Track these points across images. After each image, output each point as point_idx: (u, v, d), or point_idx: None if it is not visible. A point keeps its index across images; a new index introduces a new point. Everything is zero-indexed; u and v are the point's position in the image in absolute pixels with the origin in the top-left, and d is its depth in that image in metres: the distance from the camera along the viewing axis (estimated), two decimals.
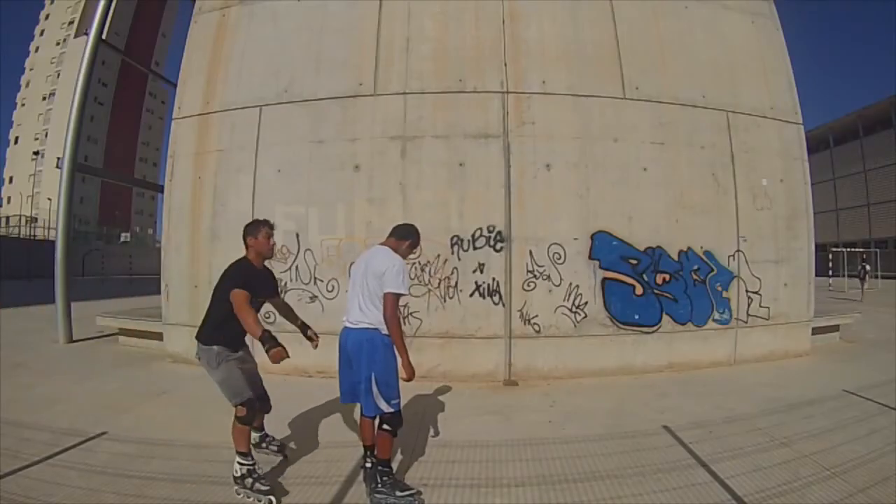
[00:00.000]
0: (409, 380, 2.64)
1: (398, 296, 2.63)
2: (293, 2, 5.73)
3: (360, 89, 5.35)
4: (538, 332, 5.02)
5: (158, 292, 6.22)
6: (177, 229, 5.75)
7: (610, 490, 2.68)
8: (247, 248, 2.88)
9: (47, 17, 54.04)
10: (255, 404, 2.74)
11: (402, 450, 3.17)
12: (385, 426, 2.62)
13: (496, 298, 5.00)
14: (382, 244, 2.85)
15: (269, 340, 2.55)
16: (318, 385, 4.85)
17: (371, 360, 2.61)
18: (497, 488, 2.69)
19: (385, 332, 2.64)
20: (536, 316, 5.02)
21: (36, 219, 33.76)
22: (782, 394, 4.35)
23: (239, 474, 2.61)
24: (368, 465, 2.69)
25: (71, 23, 51.05)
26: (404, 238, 2.87)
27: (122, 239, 44.79)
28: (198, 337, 2.82)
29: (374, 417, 2.66)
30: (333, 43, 5.51)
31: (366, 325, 2.68)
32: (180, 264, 5.69)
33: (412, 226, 2.97)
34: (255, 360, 2.98)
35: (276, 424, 3.71)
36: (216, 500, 2.58)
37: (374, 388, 2.57)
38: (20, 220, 35.65)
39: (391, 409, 2.60)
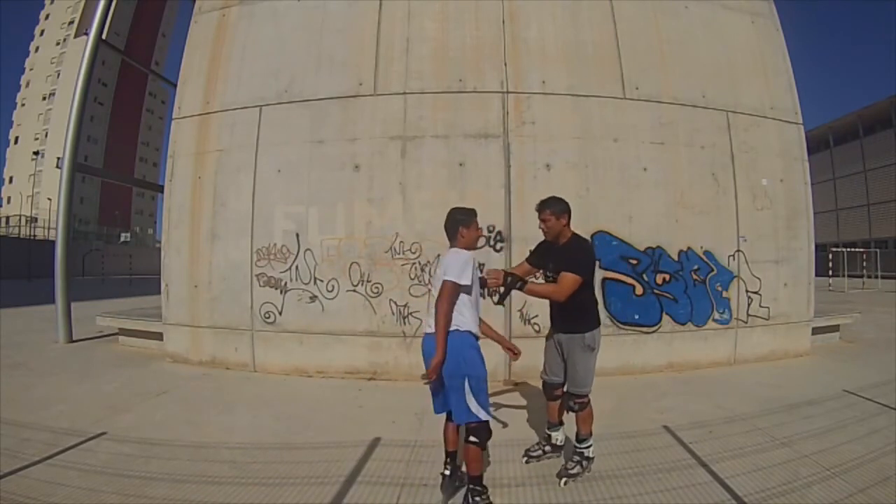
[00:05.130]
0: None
1: (455, 285, 2.44)
2: (293, 2, 5.73)
3: (360, 89, 5.35)
4: (538, 331, 5.01)
5: (158, 292, 6.23)
6: (177, 229, 5.75)
7: (610, 490, 2.68)
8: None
9: (47, 17, 54.04)
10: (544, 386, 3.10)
11: (403, 450, 3.17)
12: (472, 438, 2.44)
13: (496, 298, 4.98)
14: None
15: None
16: (317, 385, 4.86)
17: (461, 360, 2.44)
18: (497, 488, 2.68)
19: (467, 329, 2.49)
20: (536, 316, 5.01)
21: (36, 219, 33.77)
22: (782, 394, 4.35)
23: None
24: (448, 472, 2.60)
25: (71, 23, 51.04)
26: (454, 232, 2.65)
27: (122, 239, 44.82)
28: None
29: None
30: (333, 43, 5.51)
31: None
32: (180, 264, 5.69)
33: (449, 214, 2.71)
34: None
35: (276, 424, 3.72)
36: (216, 500, 2.58)
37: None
38: (20, 220, 35.66)
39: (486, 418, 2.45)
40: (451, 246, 2.66)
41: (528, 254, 5.00)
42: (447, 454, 2.64)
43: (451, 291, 2.44)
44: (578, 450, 2.81)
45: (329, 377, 5.06)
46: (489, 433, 2.49)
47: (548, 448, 3.03)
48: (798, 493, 2.57)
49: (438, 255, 5.00)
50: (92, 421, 3.69)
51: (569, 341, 2.83)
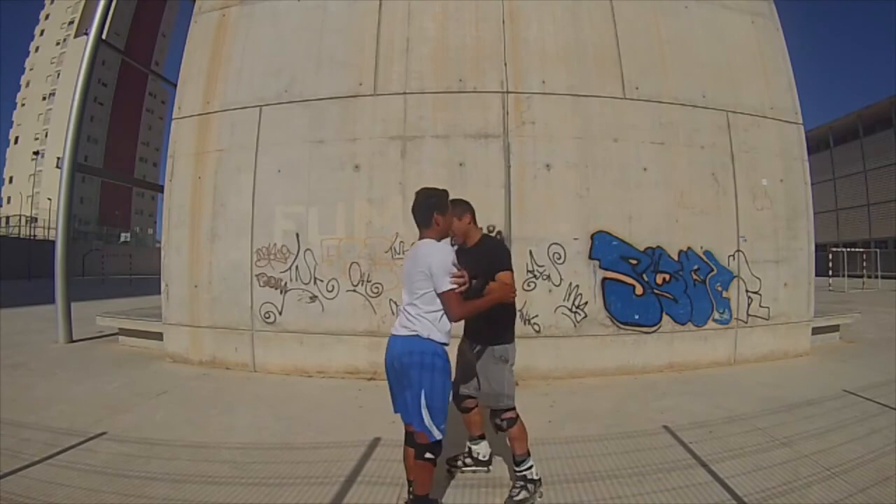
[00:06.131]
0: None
1: (457, 293, 2.24)
2: (293, 2, 5.72)
3: (360, 89, 5.35)
4: (538, 331, 5.02)
5: (158, 292, 6.23)
6: (177, 229, 5.75)
7: (610, 490, 2.68)
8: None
9: (47, 17, 54.06)
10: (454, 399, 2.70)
11: (403, 450, 3.16)
12: (428, 455, 2.25)
13: None
14: (420, 239, 2.41)
15: None
16: (317, 385, 4.86)
17: (421, 374, 2.23)
18: (497, 488, 2.69)
19: (435, 340, 2.27)
20: (536, 316, 5.02)
21: (36, 219, 33.78)
22: (782, 394, 4.35)
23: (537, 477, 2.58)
24: (411, 497, 2.38)
25: (71, 23, 51.06)
26: (426, 222, 2.35)
27: (122, 239, 44.87)
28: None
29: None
30: (333, 43, 5.51)
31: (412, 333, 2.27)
32: (180, 264, 5.69)
33: (418, 198, 2.40)
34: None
35: (276, 424, 3.73)
36: (216, 500, 2.58)
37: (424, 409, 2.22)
38: (20, 220, 35.72)
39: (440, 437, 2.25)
40: (423, 235, 2.36)
41: (528, 254, 5.06)
42: (409, 481, 2.39)
43: (457, 299, 2.24)
44: (519, 473, 2.56)
45: (329, 377, 5.06)
46: (441, 449, 2.30)
47: (469, 461, 2.86)
48: (798, 493, 2.57)
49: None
50: (92, 421, 3.69)
51: (481, 352, 2.63)
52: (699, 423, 3.63)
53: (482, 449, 2.86)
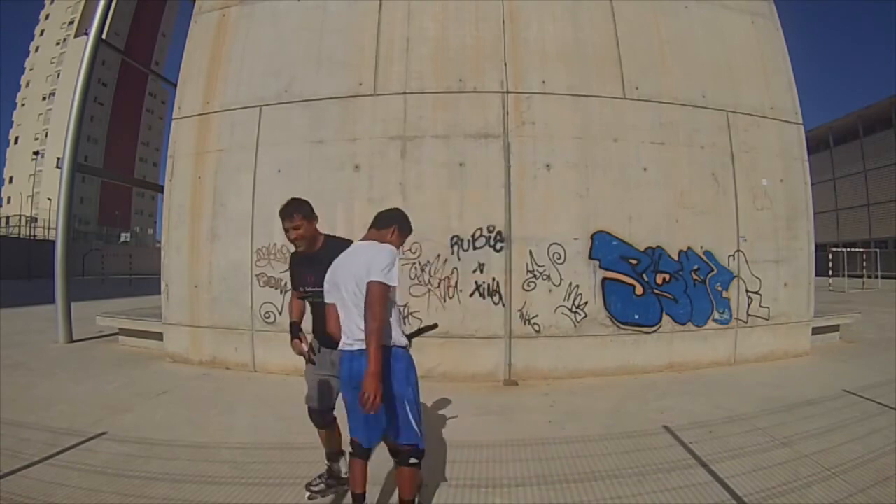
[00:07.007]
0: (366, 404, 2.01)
1: (386, 287, 2.07)
2: (293, 2, 5.73)
3: (360, 89, 5.35)
4: (538, 331, 5.02)
5: (158, 292, 6.23)
6: (177, 229, 5.75)
7: (610, 490, 2.68)
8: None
9: (47, 17, 54.07)
10: (313, 415, 2.63)
11: None
12: (413, 460, 2.21)
13: (496, 298, 5.00)
14: (362, 240, 2.35)
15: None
16: None
17: (406, 386, 2.19)
18: (497, 488, 2.69)
19: (399, 344, 2.20)
20: (536, 316, 5.02)
21: (36, 219, 33.79)
22: (782, 394, 4.35)
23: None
24: None
25: (71, 23, 51.07)
26: (387, 226, 2.35)
27: (122, 239, 44.96)
28: None
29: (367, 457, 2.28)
30: (333, 43, 5.51)
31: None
32: (180, 264, 5.69)
33: (396, 209, 2.48)
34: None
35: (276, 424, 3.73)
36: (216, 499, 2.58)
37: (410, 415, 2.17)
38: (20, 220, 35.73)
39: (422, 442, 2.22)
40: (365, 238, 2.32)
41: (528, 254, 5.07)
42: (356, 497, 2.24)
43: (384, 295, 2.05)
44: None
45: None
46: (424, 453, 2.28)
47: (331, 481, 2.68)
48: (798, 493, 2.57)
49: (438, 255, 5.01)
50: (92, 421, 3.70)
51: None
52: (699, 423, 3.63)
53: (343, 466, 2.69)
